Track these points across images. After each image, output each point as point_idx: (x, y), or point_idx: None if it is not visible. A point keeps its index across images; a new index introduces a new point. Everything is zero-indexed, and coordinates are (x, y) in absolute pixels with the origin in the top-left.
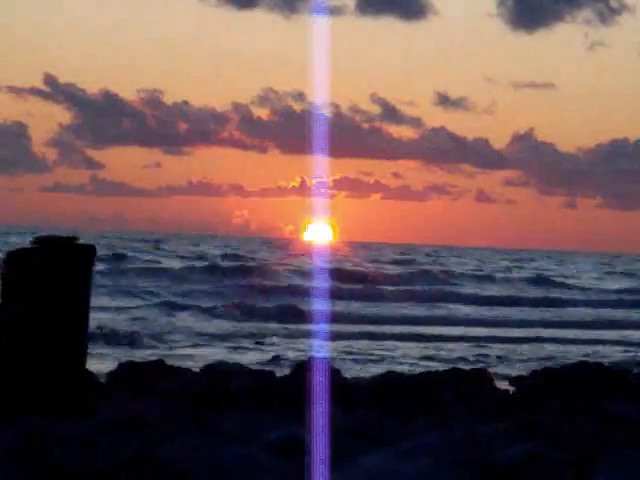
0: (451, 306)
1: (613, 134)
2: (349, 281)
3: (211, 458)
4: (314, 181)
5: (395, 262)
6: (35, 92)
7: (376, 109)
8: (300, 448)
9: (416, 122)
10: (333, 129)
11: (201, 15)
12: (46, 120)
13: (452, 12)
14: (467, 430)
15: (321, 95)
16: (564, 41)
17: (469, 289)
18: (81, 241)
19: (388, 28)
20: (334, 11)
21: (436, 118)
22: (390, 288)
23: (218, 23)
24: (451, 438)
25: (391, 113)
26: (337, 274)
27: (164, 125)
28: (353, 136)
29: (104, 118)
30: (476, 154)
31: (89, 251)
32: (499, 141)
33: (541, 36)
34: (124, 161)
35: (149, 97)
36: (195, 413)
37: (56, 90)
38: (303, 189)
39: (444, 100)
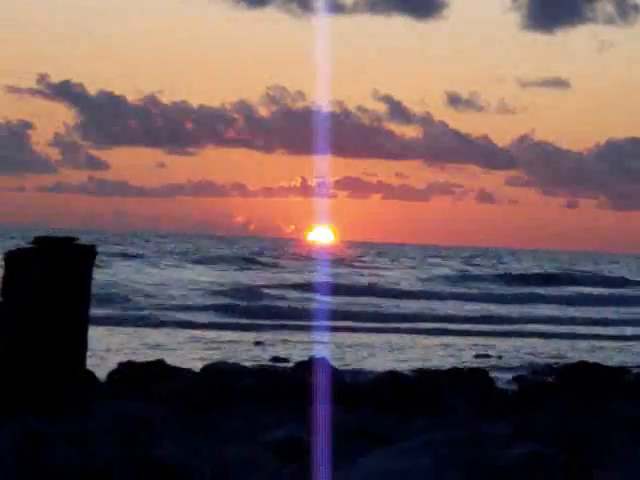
0: (457, 304)
1: (621, 134)
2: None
3: (211, 458)
4: (321, 181)
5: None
6: (37, 92)
7: (384, 108)
8: (300, 448)
9: (426, 121)
10: (340, 128)
11: (205, 14)
12: (49, 120)
13: (460, 12)
14: (467, 430)
15: (327, 95)
16: (574, 41)
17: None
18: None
19: (397, 27)
20: (345, 10)
21: (445, 117)
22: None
23: (224, 22)
24: (451, 437)
25: (398, 113)
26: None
27: (168, 125)
28: (359, 135)
29: (107, 118)
30: (483, 153)
31: (89, 251)
32: (507, 141)
33: (551, 36)
34: (128, 161)
35: (152, 97)
36: (195, 413)
37: (58, 90)
38: (309, 189)
39: (454, 100)
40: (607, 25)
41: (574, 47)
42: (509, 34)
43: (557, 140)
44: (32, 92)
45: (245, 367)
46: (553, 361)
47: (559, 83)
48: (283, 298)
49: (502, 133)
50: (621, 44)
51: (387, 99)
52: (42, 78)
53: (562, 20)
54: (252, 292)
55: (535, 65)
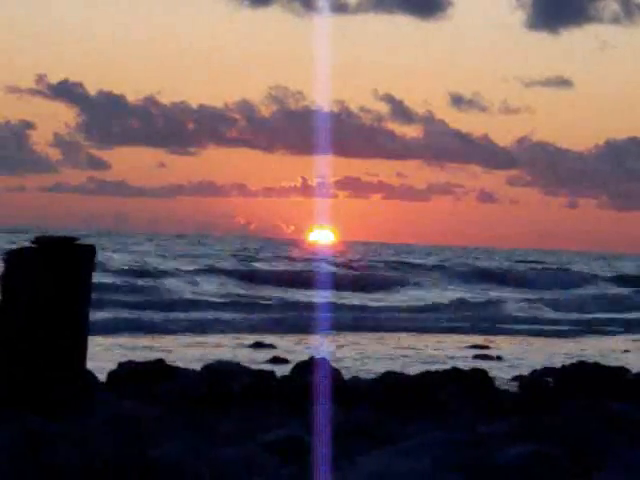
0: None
1: (624, 134)
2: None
3: (211, 458)
4: (322, 181)
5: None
6: (37, 93)
7: (386, 108)
8: (300, 448)
9: (428, 121)
10: (342, 129)
11: (207, 13)
12: (49, 120)
13: (463, 11)
14: (467, 430)
15: (329, 94)
16: (577, 41)
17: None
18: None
19: (401, 26)
20: (348, 9)
21: (447, 117)
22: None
23: (226, 21)
24: (451, 438)
25: (401, 113)
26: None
27: (169, 125)
28: (361, 135)
29: (108, 118)
30: (487, 153)
31: (89, 251)
32: (511, 140)
33: (554, 36)
34: (128, 161)
35: (153, 97)
36: (195, 413)
37: (58, 90)
38: (310, 189)
39: (456, 99)
40: (611, 25)
41: (578, 47)
42: (513, 34)
43: (560, 140)
44: (32, 92)
45: (245, 367)
46: (553, 361)
47: (562, 83)
48: (284, 297)
49: (505, 133)
50: (625, 44)
51: (389, 99)
52: (42, 78)
53: (566, 20)
54: (252, 291)
55: (538, 65)
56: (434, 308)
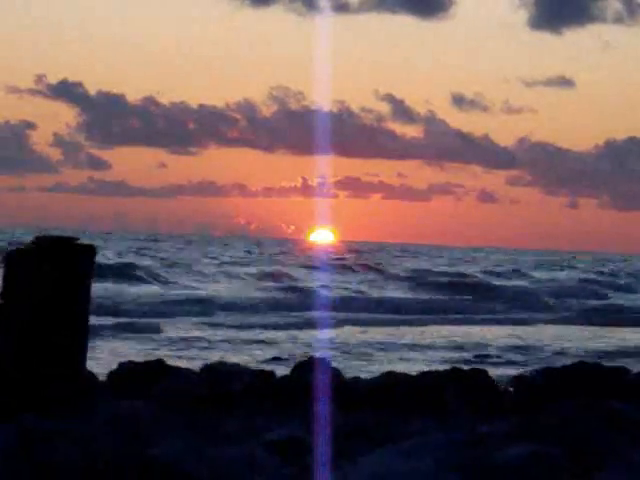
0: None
1: (626, 133)
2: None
3: (210, 458)
4: (322, 181)
5: None
6: (37, 93)
7: (388, 108)
8: (300, 448)
9: (430, 121)
10: (344, 129)
11: (209, 12)
12: (49, 120)
13: (466, 11)
14: (467, 430)
15: (330, 95)
16: (579, 40)
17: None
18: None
19: (403, 26)
20: (350, 9)
21: (449, 117)
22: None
23: (228, 21)
24: (451, 438)
25: (403, 113)
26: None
27: (170, 125)
28: (363, 136)
29: (108, 118)
30: (490, 153)
31: (89, 251)
32: (514, 140)
33: (556, 35)
34: (129, 161)
35: (154, 97)
36: (194, 413)
37: (58, 90)
38: (311, 189)
39: (458, 99)
40: (613, 25)
41: (580, 47)
42: (515, 33)
43: (561, 140)
44: (32, 92)
45: (245, 367)
46: (553, 361)
47: (564, 83)
48: (284, 297)
49: (506, 133)
50: (627, 44)
51: (390, 99)
52: (42, 78)
53: (568, 19)
54: (253, 291)
55: (540, 64)
56: None
